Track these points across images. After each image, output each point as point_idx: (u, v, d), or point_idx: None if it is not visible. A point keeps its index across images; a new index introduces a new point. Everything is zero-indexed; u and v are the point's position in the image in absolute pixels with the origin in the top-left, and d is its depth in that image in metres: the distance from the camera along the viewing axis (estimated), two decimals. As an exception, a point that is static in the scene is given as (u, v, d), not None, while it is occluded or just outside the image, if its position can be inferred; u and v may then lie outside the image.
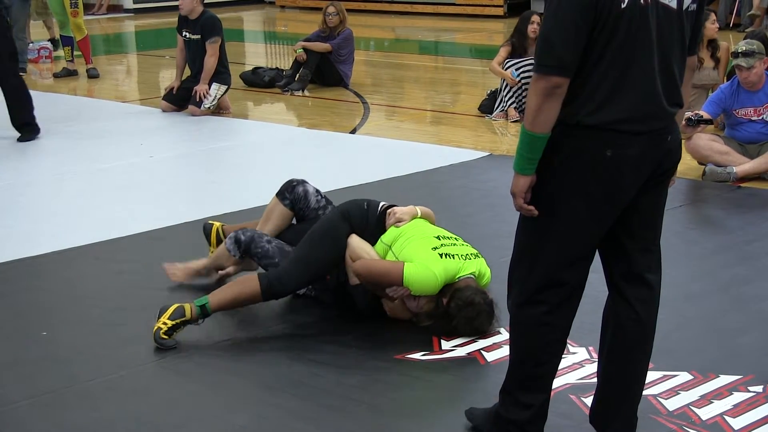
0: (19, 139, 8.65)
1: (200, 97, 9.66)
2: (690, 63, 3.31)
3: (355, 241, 4.69)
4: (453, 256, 4.57)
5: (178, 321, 4.46)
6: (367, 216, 4.82)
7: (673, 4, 3.11)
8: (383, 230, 4.79)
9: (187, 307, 4.50)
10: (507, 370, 3.46)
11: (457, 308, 4.48)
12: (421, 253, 4.56)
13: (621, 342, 3.39)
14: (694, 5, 3.18)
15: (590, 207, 3.17)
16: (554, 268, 3.25)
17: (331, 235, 4.72)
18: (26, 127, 8.72)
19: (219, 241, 5.33)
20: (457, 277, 4.54)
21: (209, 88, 9.67)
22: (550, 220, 3.21)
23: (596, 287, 3.41)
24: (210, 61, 9.61)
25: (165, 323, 4.44)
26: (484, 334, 4.51)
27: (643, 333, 3.38)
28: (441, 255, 4.55)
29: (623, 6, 3.03)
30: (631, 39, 3.06)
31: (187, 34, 9.73)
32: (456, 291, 4.51)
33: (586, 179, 3.13)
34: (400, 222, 4.76)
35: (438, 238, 4.66)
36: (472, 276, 4.58)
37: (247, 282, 4.62)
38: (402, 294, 4.52)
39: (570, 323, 3.36)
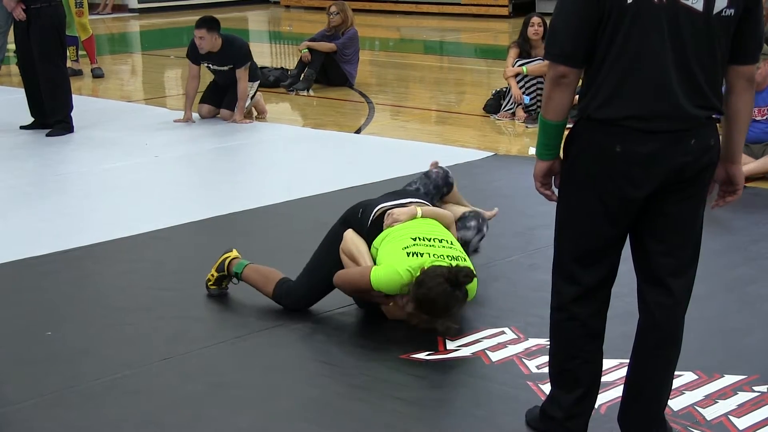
0: (49, 134, 8.82)
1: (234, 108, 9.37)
2: (744, 72, 3.20)
3: (349, 236, 4.67)
4: (421, 254, 4.43)
5: (223, 273, 4.94)
6: (361, 222, 4.75)
7: (699, 6, 3.04)
8: (379, 233, 4.67)
9: (228, 261, 4.92)
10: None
11: (416, 308, 4.33)
12: (391, 254, 4.47)
13: (640, 346, 3.42)
14: (731, 11, 3.07)
15: (602, 201, 3.19)
16: (569, 262, 3.31)
17: (331, 246, 4.75)
18: (60, 123, 8.89)
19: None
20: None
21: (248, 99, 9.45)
22: (566, 211, 3.30)
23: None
24: (242, 88, 9.27)
25: (213, 275, 4.97)
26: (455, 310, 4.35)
27: (661, 339, 3.38)
28: (408, 254, 4.44)
29: (629, 2, 3.03)
30: (637, 36, 3.05)
31: (211, 65, 9.37)
32: (410, 292, 4.33)
33: (596, 173, 3.17)
34: (395, 223, 4.65)
35: (415, 239, 4.51)
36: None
37: (270, 280, 4.82)
38: (381, 297, 4.49)
39: (599, 325, 3.38)
